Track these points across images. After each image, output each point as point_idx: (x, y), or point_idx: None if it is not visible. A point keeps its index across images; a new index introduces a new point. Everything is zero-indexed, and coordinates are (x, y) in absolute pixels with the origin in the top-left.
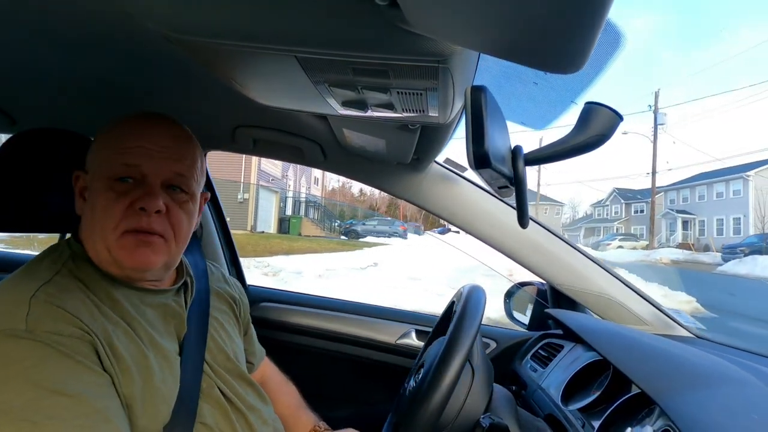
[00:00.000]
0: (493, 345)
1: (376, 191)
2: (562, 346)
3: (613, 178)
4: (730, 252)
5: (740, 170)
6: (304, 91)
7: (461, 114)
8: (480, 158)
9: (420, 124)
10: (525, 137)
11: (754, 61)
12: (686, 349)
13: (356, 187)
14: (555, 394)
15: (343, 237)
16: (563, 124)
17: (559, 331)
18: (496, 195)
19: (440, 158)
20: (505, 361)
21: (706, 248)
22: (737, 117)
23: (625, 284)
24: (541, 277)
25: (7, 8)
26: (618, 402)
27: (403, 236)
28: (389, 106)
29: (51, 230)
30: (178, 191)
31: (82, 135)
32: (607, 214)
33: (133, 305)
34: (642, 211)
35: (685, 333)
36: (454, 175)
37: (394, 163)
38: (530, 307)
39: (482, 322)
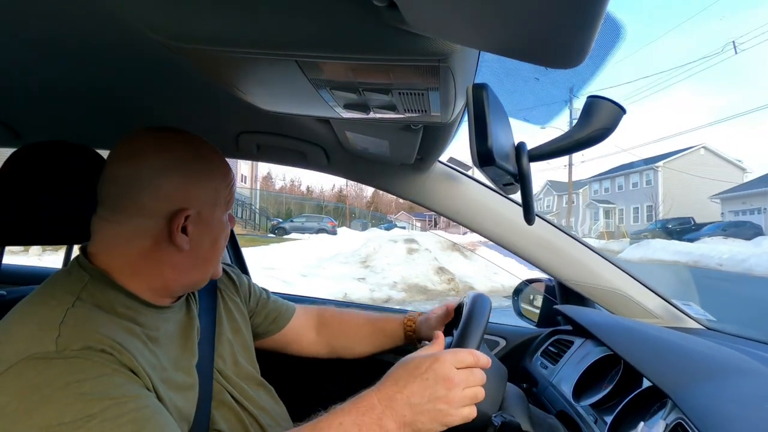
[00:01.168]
0: (503, 343)
1: (326, 188)
2: (572, 342)
3: (542, 170)
4: (636, 238)
5: (652, 161)
6: (305, 95)
7: (463, 112)
8: (484, 156)
9: (422, 124)
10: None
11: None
12: (697, 341)
13: (305, 184)
14: (566, 391)
15: (270, 235)
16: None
17: (569, 327)
18: (501, 192)
19: (444, 157)
20: (515, 359)
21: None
22: (647, 106)
23: (633, 278)
24: (548, 274)
25: (10, 22)
26: (630, 396)
27: (332, 232)
28: (391, 107)
29: (59, 242)
30: None
31: (86, 147)
32: (539, 207)
33: (153, 323)
34: (574, 203)
35: (694, 325)
36: (459, 173)
37: (398, 164)
38: (538, 303)
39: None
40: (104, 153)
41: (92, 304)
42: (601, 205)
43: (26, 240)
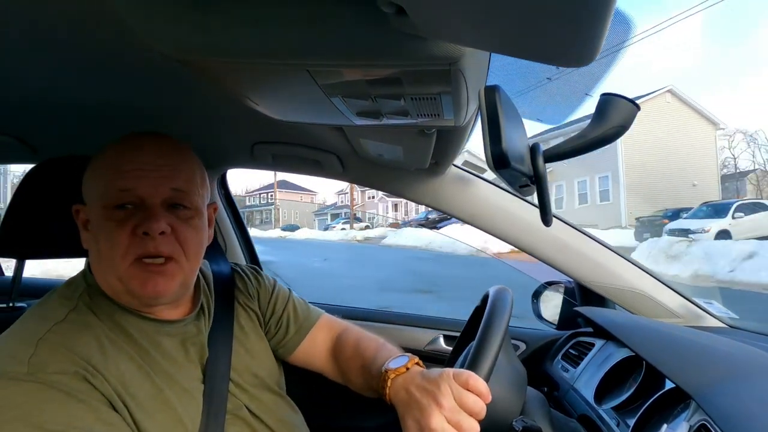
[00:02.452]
0: (523, 347)
1: None
2: (592, 344)
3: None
4: (408, 226)
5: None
6: (318, 104)
7: (477, 115)
8: (499, 158)
9: (436, 129)
10: None
11: None
12: (719, 340)
13: None
14: (588, 394)
15: None
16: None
17: (589, 329)
18: (517, 194)
19: (458, 161)
20: (536, 362)
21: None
22: None
23: (654, 277)
24: (568, 275)
25: (25, 42)
26: (652, 398)
27: None
28: (404, 113)
29: (80, 255)
30: (181, 208)
31: None
32: (341, 201)
33: (148, 338)
34: (373, 197)
35: (716, 323)
36: (474, 176)
37: (413, 169)
38: (558, 306)
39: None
40: None
41: (86, 315)
42: (389, 198)
43: (46, 254)
